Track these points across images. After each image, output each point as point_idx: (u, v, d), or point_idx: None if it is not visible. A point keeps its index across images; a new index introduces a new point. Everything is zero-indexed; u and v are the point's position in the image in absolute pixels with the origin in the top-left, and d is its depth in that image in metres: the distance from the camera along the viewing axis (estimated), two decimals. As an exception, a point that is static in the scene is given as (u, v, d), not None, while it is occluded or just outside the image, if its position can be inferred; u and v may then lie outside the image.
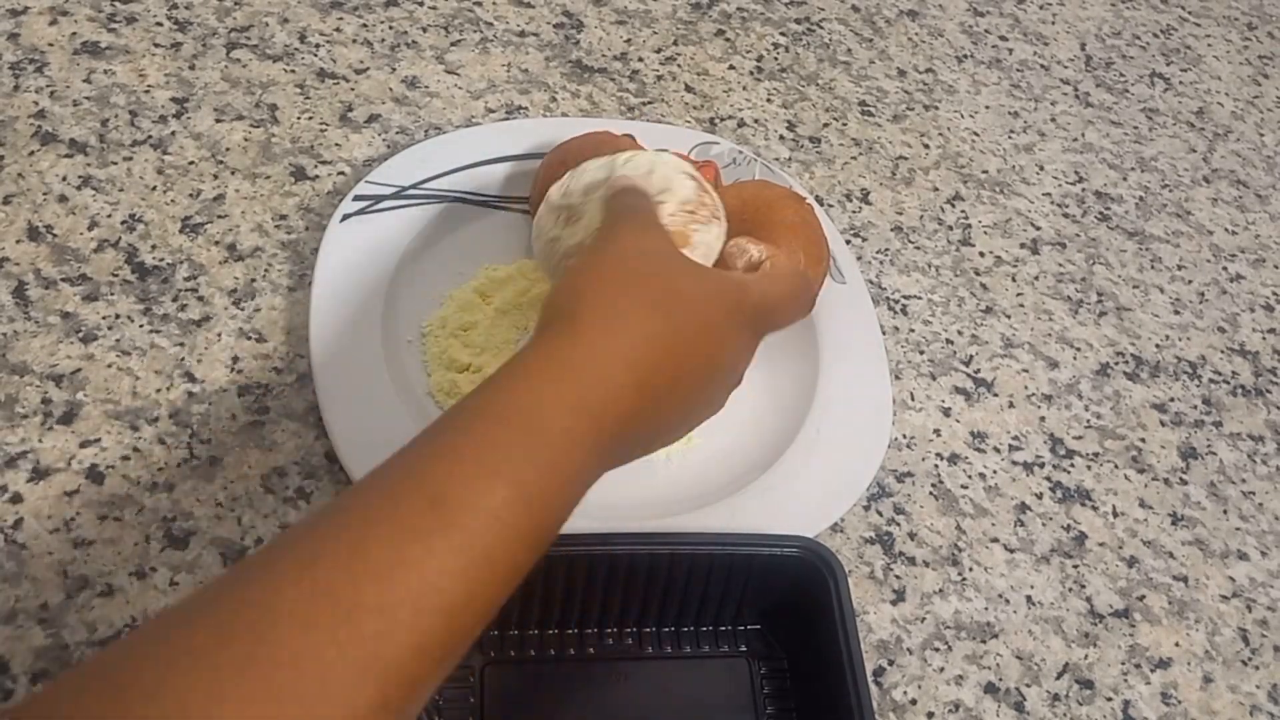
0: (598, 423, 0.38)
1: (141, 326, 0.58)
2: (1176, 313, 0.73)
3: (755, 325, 0.44)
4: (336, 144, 0.69)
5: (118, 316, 0.59)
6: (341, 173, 0.67)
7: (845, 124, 0.79)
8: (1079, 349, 0.70)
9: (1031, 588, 0.58)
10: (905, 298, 0.69)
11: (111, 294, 0.59)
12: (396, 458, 0.35)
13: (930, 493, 0.60)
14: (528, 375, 0.38)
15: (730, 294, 0.43)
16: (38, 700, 0.29)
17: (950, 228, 0.74)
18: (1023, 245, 0.75)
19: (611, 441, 0.38)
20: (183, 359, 0.58)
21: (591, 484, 0.38)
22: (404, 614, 0.31)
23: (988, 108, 0.84)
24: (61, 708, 0.28)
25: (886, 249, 0.72)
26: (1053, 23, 0.93)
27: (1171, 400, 0.68)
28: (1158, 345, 0.71)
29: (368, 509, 0.33)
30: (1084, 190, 0.80)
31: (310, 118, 0.70)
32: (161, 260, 0.61)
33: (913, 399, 0.64)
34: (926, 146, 0.79)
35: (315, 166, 0.67)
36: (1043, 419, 0.65)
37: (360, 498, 0.33)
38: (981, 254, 0.73)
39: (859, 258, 0.70)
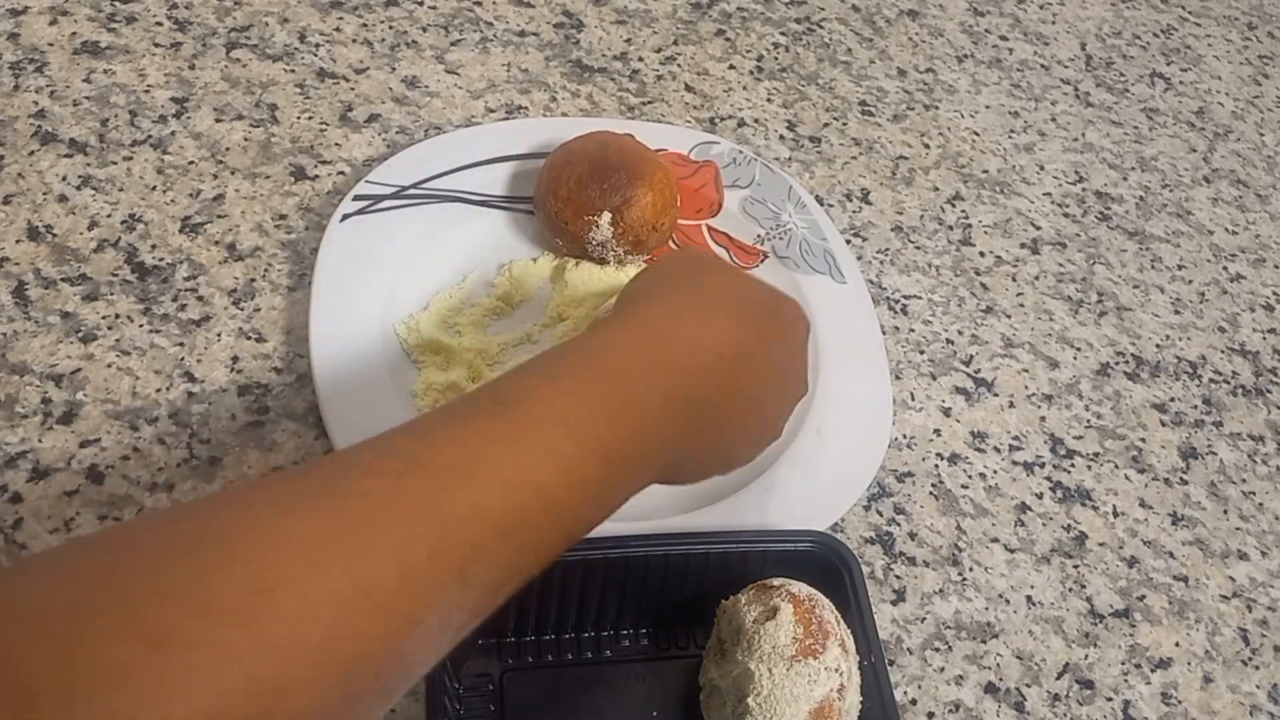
0: (676, 388, 0.39)
1: (141, 326, 0.58)
2: (1177, 313, 0.73)
3: (803, 332, 0.48)
4: (336, 144, 0.69)
5: (117, 316, 0.59)
6: (341, 173, 0.67)
7: (845, 124, 0.79)
8: (1079, 349, 0.70)
9: (1032, 588, 0.58)
10: (905, 297, 0.69)
11: (111, 294, 0.59)
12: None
13: (930, 493, 0.60)
14: (613, 329, 0.41)
15: (781, 299, 0.47)
16: (124, 528, 0.32)
17: (950, 227, 0.74)
18: (1023, 245, 0.75)
19: (683, 421, 0.40)
20: (183, 359, 0.58)
21: (661, 457, 0.40)
22: (459, 475, 0.33)
23: (988, 107, 0.84)
24: (143, 535, 0.30)
25: (887, 249, 0.72)
26: (1053, 22, 0.93)
27: (1172, 400, 0.68)
28: (1158, 345, 0.71)
29: (445, 406, 0.36)
30: (1084, 190, 0.80)
31: (310, 117, 0.70)
32: (161, 260, 0.61)
33: (913, 399, 0.64)
34: (927, 146, 0.79)
35: (315, 166, 0.67)
36: (1043, 419, 0.65)
37: (439, 407, 0.37)
38: (982, 254, 0.73)
39: (859, 257, 0.70)
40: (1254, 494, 0.65)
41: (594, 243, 0.61)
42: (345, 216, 0.62)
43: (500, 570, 0.34)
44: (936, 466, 0.62)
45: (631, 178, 0.61)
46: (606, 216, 0.60)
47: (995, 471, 0.62)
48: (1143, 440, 0.66)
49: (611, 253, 0.62)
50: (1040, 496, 0.62)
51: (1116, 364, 0.69)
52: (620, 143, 0.63)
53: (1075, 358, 0.69)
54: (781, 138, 0.77)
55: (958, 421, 0.64)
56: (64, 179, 0.64)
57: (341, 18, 0.77)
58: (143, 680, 0.26)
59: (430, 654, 0.33)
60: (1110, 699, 0.55)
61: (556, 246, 0.64)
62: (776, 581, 0.49)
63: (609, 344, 0.40)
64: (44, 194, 0.63)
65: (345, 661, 0.30)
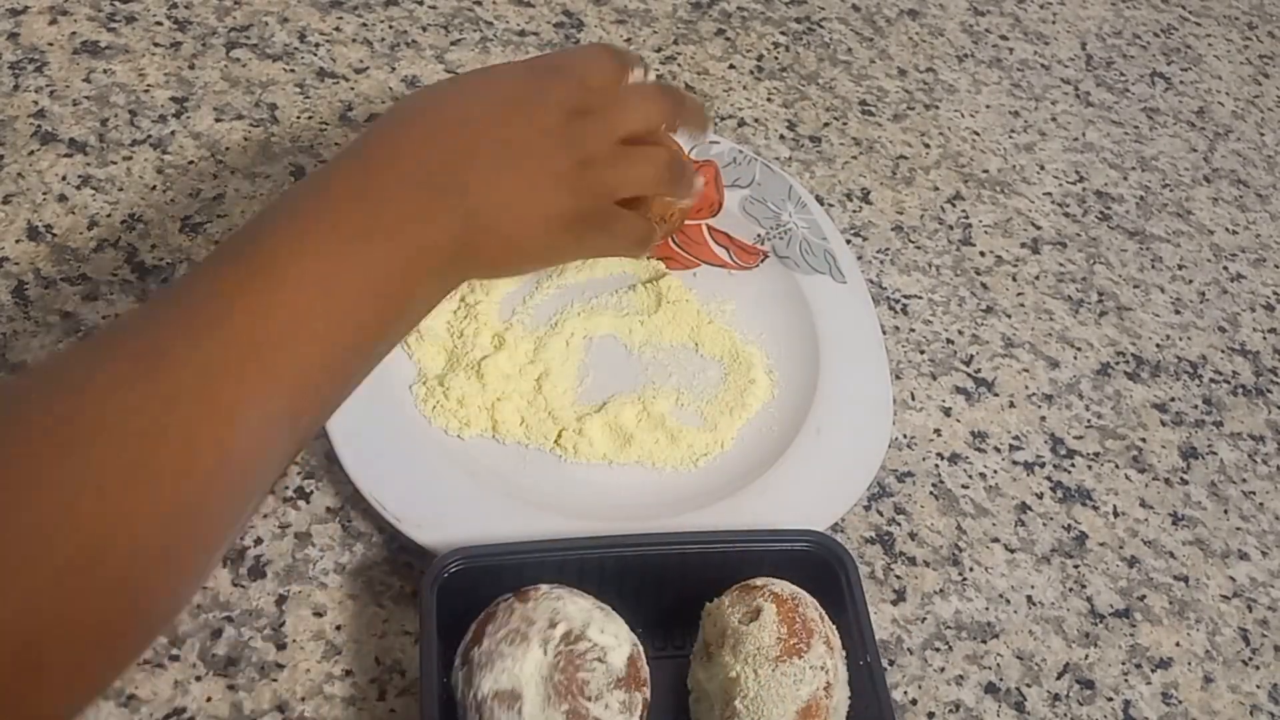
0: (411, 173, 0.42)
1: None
2: (1177, 312, 0.73)
3: (565, 106, 0.47)
4: (336, 143, 0.69)
5: (117, 316, 0.59)
6: (341, 172, 0.67)
7: (846, 123, 0.79)
8: (1079, 349, 0.70)
9: (1032, 588, 0.58)
10: (906, 297, 0.69)
11: (111, 294, 0.59)
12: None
13: (931, 492, 0.60)
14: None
15: (539, 76, 0.48)
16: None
17: (951, 227, 0.74)
18: (1023, 245, 0.75)
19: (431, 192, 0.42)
20: (182, 359, 0.57)
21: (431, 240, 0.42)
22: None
23: (988, 107, 0.84)
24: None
25: (887, 248, 0.72)
26: (1053, 22, 0.93)
27: (1172, 400, 0.68)
28: (1158, 345, 0.71)
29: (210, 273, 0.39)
30: (1084, 190, 0.80)
31: (310, 117, 0.70)
32: (161, 260, 0.61)
33: (913, 399, 0.64)
34: (927, 146, 0.79)
35: (315, 166, 0.67)
36: (1043, 419, 0.65)
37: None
38: (982, 253, 0.73)
39: (859, 257, 0.70)
40: (1254, 494, 0.65)
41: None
42: (345, 216, 0.62)
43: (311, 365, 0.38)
44: (937, 466, 0.62)
45: None
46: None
47: (995, 471, 0.62)
48: (1143, 440, 0.66)
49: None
50: (1040, 496, 0.62)
51: (1117, 364, 0.69)
52: None
53: (1075, 357, 0.69)
54: (782, 137, 0.77)
55: (958, 421, 0.64)
56: (64, 179, 0.64)
57: (341, 17, 0.77)
58: None
59: (259, 462, 0.37)
60: (1110, 699, 0.55)
61: None
62: (759, 582, 0.48)
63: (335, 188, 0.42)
64: (44, 194, 0.63)
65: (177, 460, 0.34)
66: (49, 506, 0.31)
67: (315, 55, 0.74)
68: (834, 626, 0.48)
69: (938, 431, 0.63)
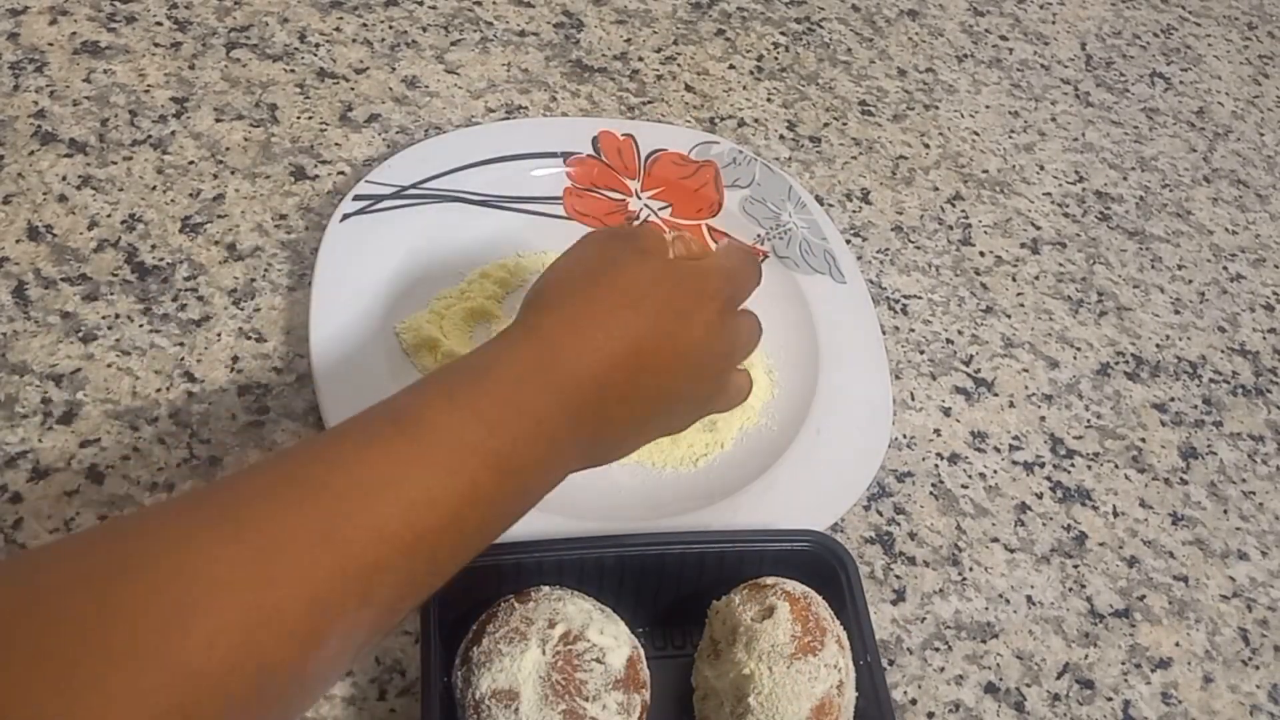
0: (572, 397, 0.40)
1: (141, 326, 0.58)
2: (1177, 312, 0.73)
3: (721, 300, 0.46)
4: (336, 144, 0.69)
5: (117, 316, 0.59)
6: (341, 172, 0.67)
7: (845, 124, 0.79)
8: (1079, 349, 0.70)
9: (1032, 588, 0.58)
10: (905, 297, 0.69)
11: (111, 294, 0.59)
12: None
13: (930, 492, 0.60)
14: (509, 342, 0.42)
15: (692, 278, 0.46)
16: (28, 559, 0.34)
17: (950, 227, 0.74)
18: (1023, 245, 0.75)
19: (582, 423, 0.41)
20: (182, 359, 0.58)
21: (568, 455, 0.41)
22: (360, 497, 0.34)
23: (988, 107, 0.84)
24: (47, 569, 0.31)
25: (887, 249, 0.72)
26: (1053, 22, 0.93)
27: (1172, 400, 0.68)
28: (1158, 345, 0.71)
29: (342, 426, 0.37)
30: (1084, 190, 0.80)
31: (310, 117, 0.70)
32: (161, 260, 0.61)
33: (913, 399, 0.64)
34: (927, 146, 0.79)
35: (315, 166, 0.67)
36: (1043, 419, 0.65)
37: (337, 426, 0.38)
38: (982, 254, 0.73)
39: (859, 257, 0.70)
40: (1254, 494, 0.65)
41: None
42: (345, 216, 0.62)
43: (402, 588, 0.35)
44: (936, 466, 0.62)
45: None
46: None
47: (995, 471, 0.62)
48: (1143, 440, 0.66)
49: None
50: (1040, 496, 0.62)
51: (1116, 364, 0.69)
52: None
53: (1075, 358, 0.69)
54: (781, 137, 0.77)
55: (958, 421, 0.64)
56: (64, 179, 0.64)
57: (341, 18, 0.77)
58: None
59: (332, 671, 0.34)
60: (1110, 699, 0.55)
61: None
62: (770, 580, 0.49)
63: (504, 359, 0.40)
64: (44, 194, 0.63)
65: (251, 684, 0.31)
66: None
67: (315, 55, 0.74)
68: (843, 628, 0.48)
69: (937, 431, 0.63)
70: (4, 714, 0.27)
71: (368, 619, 0.34)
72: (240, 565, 0.31)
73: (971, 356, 0.67)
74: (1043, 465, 0.63)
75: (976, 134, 0.81)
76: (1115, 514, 0.62)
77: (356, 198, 0.63)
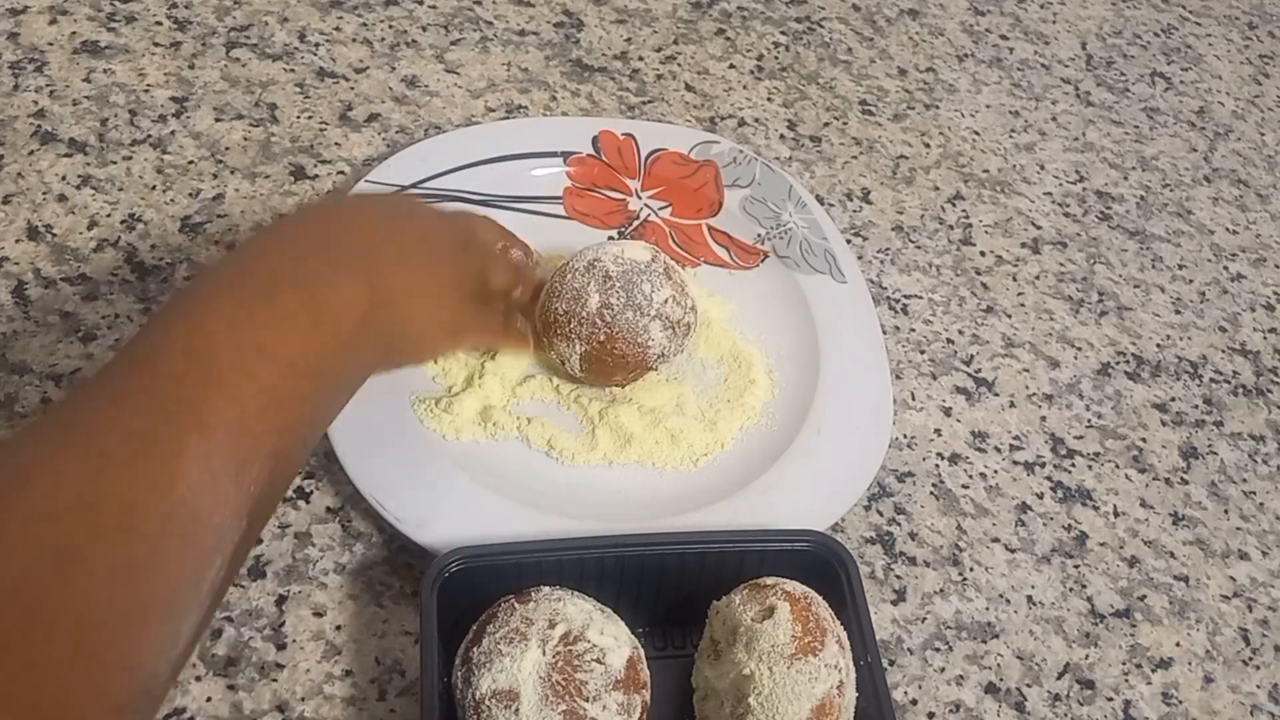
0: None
1: (141, 326, 0.58)
2: (1177, 312, 0.73)
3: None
4: (336, 143, 0.69)
5: (117, 316, 0.59)
6: (341, 172, 0.67)
7: (846, 123, 0.79)
8: (1080, 348, 0.69)
9: (1032, 588, 0.58)
10: (906, 297, 0.69)
11: (111, 293, 0.59)
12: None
13: (931, 492, 0.60)
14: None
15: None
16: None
17: (951, 227, 0.74)
18: (1024, 245, 0.75)
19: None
20: (182, 359, 0.57)
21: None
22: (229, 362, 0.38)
23: (988, 107, 0.84)
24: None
25: (887, 248, 0.72)
26: (1053, 22, 0.93)
27: (1172, 400, 0.68)
28: (1159, 345, 0.71)
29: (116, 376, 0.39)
30: (1085, 190, 0.80)
31: (310, 117, 0.70)
32: (161, 260, 0.61)
33: (913, 399, 0.64)
34: (927, 146, 0.79)
35: (315, 166, 0.67)
36: (1044, 419, 0.65)
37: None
38: (982, 253, 0.73)
39: (860, 257, 0.70)
40: (1254, 494, 0.65)
41: (563, 362, 0.58)
42: (345, 216, 0.62)
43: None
44: (937, 466, 0.62)
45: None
46: (578, 350, 0.57)
47: (996, 471, 0.62)
48: (1143, 440, 0.66)
49: (579, 373, 0.58)
50: (1041, 496, 0.62)
51: (1117, 364, 0.69)
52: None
53: (1076, 357, 0.69)
54: (782, 137, 0.77)
55: (958, 421, 0.64)
56: (64, 178, 0.64)
57: (341, 17, 0.77)
58: None
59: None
60: (1111, 699, 0.55)
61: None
62: (770, 580, 0.48)
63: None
64: (44, 194, 0.63)
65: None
66: None
67: (315, 55, 0.74)
68: (843, 628, 0.48)
69: (938, 431, 0.63)
70: None
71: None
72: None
73: (972, 356, 0.67)
74: (1043, 465, 0.63)
75: (977, 133, 0.81)
76: (1116, 514, 0.62)
77: (356, 197, 0.63)
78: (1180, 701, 0.55)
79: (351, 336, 0.42)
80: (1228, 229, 0.80)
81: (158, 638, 0.34)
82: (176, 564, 0.35)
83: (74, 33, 0.71)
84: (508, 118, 0.73)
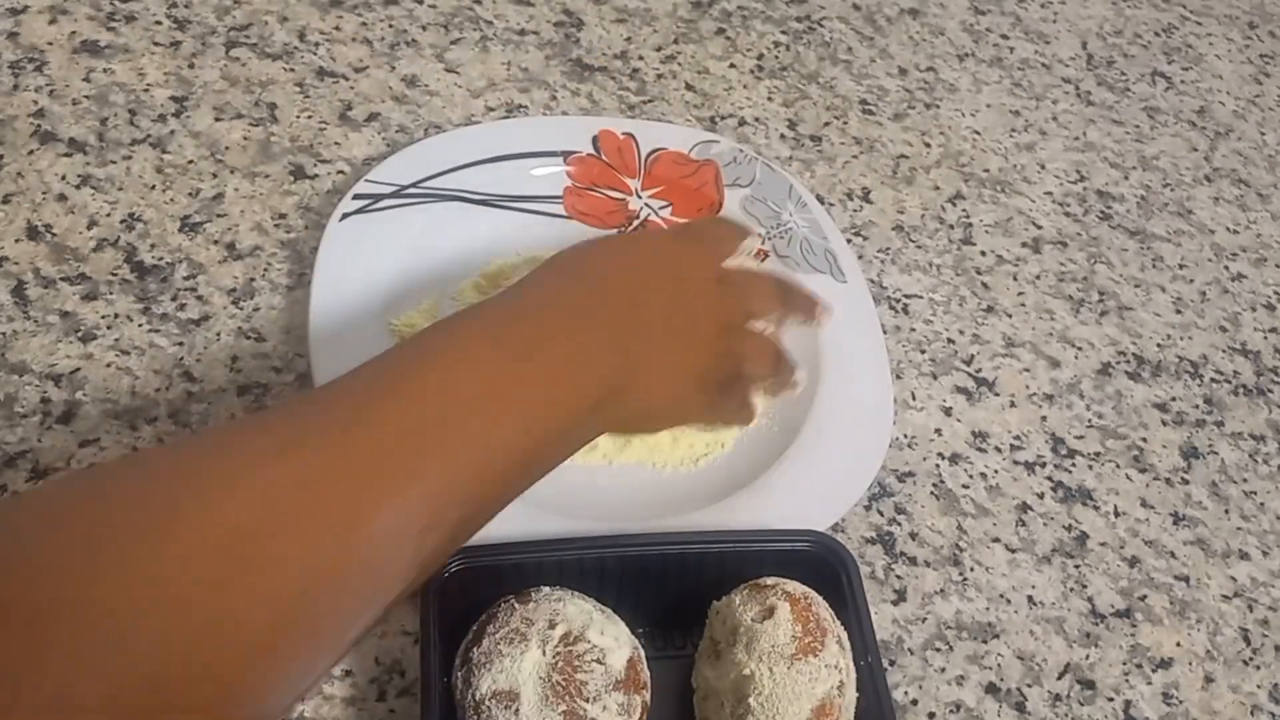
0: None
1: (140, 326, 0.58)
2: (1178, 312, 0.73)
3: (711, 270, 0.50)
4: (336, 143, 0.69)
5: (117, 316, 0.58)
6: (341, 171, 0.67)
7: (846, 122, 0.79)
8: (1080, 348, 0.69)
9: (1033, 588, 0.58)
10: (906, 297, 0.69)
11: (110, 293, 0.59)
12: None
13: (931, 492, 0.60)
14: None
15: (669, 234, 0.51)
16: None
17: (951, 227, 0.74)
18: (1024, 244, 0.74)
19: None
20: (182, 358, 0.57)
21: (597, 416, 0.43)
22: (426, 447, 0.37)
23: (989, 106, 0.84)
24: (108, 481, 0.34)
25: (887, 248, 0.72)
26: (1054, 21, 0.93)
27: (1173, 400, 0.68)
28: (1159, 345, 0.71)
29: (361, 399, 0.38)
30: (1085, 189, 0.80)
31: (309, 116, 0.70)
32: (160, 259, 0.61)
33: (914, 398, 0.64)
34: (928, 145, 0.79)
35: (314, 165, 0.67)
36: (1044, 418, 0.65)
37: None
38: (983, 253, 0.73)
39: (860, 257, 0.70)
40: (1255, 494, 0.65)
41: None
42: (345, 216, 0.62)
43: (469, 515, 0.38)
44: (937, 466, 0.61)
45: None
46: None
47: (996, 471, 0.62)
48: (1144, 440, 0.66)
49: None
50: (1041, 496, 0.62)
51: (1118, 363, 0.69)
52: None
53: (1076, 357, 0.69)
54: (782, 136, 0.77)
55: (959, 421, 0.64)
56: (63, 178, 0.64)
57: (341, 16, 0.77)
58: None
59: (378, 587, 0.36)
60: (1111, 699, 0.55)
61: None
62: (770, 581, 0.48)
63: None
64: (43, 193, 0.63)
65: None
66: (145, 584, 0.29)
67: (315, 54, 0.74)
68: (844, 628, 0.48)
69: (938, 431, 0.63)
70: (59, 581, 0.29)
71: (432, 542, 0.36)
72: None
73: (973, 356, 0.67)
74: (1044, 465, 0.63)
75: (977, 133, 0.81)
76: (1116, 514, 0.62)
77: (356, 197, 0.63)
78: (1181, 701, 0.55)
79: (589, 411, 0.42)
80: (1228, 229, 0.80)
81: (301, 668, 0.34)
82: (334, 606, 0.34)
83: (74, 32, 0.71)
84: (508, 117, 0.73)
